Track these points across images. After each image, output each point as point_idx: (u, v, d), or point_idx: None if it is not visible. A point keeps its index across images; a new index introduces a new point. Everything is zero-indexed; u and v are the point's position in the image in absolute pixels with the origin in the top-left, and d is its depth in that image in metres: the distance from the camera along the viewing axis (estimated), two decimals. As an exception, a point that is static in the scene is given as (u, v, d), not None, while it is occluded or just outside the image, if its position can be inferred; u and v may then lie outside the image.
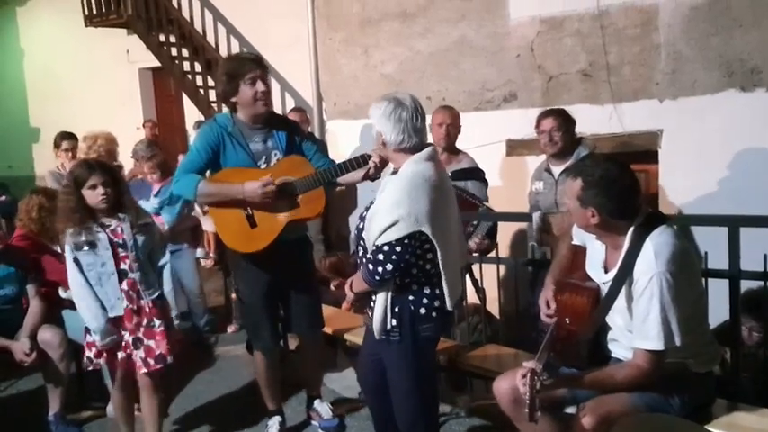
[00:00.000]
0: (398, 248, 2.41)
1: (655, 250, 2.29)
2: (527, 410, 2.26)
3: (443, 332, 2.72)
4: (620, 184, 2.37)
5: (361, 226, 2.59)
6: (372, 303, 2.59)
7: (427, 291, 2.55)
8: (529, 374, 2.26)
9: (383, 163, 2.91)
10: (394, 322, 2.53)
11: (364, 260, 2.51)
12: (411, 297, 2.53)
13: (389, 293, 2.52)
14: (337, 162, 3.17)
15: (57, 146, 5.26)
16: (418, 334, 2.55)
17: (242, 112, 3.20)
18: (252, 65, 3.14)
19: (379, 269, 2.43)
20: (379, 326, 2.54)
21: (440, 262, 2.50)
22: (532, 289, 3.66)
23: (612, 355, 2.54)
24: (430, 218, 2.43)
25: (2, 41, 11.09)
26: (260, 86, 3.10)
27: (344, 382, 4.15)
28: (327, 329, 3.88)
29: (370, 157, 2.95)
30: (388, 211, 2.41)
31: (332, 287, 4.80)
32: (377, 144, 2.62)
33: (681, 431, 1.69)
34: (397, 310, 2.53)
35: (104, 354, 3.15)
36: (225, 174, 3.15)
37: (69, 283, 3.14)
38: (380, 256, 2.42)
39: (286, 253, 3.25)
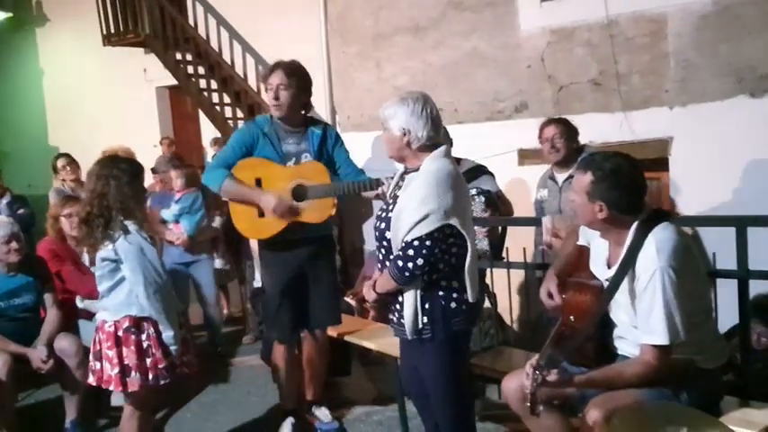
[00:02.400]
0: (428, 242, 2.45)
1: (657, 246, 2.31)
2: (528, 404, 2.29)
3: (473, 325, 2.76)
4: (630, 178, 2.39)
5: (382, 226, 2.61)
6: (398, 306, 2.61)
7: (455, 285, 2.58)
8: (530, 368, 2.30)
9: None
10: (425, 320, 2.55)
11: (390, 258, 2.55)
12: (441, 293, 2.56)
13: (418, 291, 2.53)
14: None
15: (55, 169, 5.46)
16: (451, 329, 2.57)
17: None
18: (270, 73, 3.39)
19: (410, 264, 2.45)
20: (410, 326, 2.55)
21: (468, 253, 2.55)
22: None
23: (619, 352, 2.55)
24: (457, 211, 2.49)
25: (22, 62, 11.32)
26: (270, 94, 3.36)
27: (358, 389, 4.17)
28: (334, 334, 3.92)
29: (381, 183, 3.03)
30: (416, 206, 2.45)
31: (345, 298, 4.83)
32: (395, 144, 2.60)
33: (680, 417, 1.70)
34: (427, 307, 2.54)
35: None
36: (250, 163, 3.39)
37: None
38: (411, 252, 2.45)
39: (309, 249, 3.47)
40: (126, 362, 2.90)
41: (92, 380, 3.01)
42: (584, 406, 2.44)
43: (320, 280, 3.53)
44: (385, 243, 2.60)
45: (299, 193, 3.32)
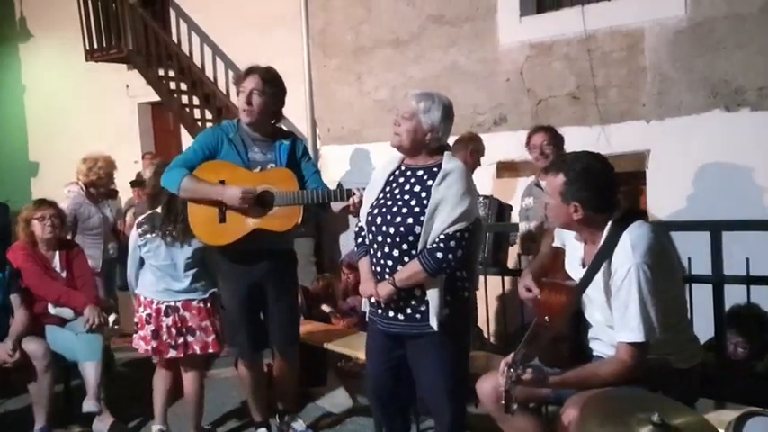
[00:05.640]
0: (467, 234, 2.59)
1: (632, 242, 2.30)
2: (503, 402, 2.25)
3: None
4: (603, 176, 2.39)
5: (409, 221, 2.60)
6: (413, 301, 2.65)
7: (465, 275, 2.73)
8: (505, 366, 2.27)
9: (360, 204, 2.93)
10: (446, 311, 2.63)
11: (413, 253, 2.59)
12: (459, 283, 2.69)
13: (443, 283, 2.62)
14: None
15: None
16: (467, 319, 2.82)
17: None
18: (244, 76, 3.25)
19: (450, 256, 2.55)
20: (437, 317, 2.61)
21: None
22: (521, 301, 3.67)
23: (594, 353, 2.53)
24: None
25: (4, 77, 11.23)
26: (242, 98, 3.21)
27: (333, 399, 4.12)
28: (309, 342, 3.90)
29: (353, 193, 3.00)
30: (457, 200, 2.57)
31: (323, 307, 4.79)
32: (418, 136, 2.65)
33: (651, 403, 1.68)
34: (449, 298, 2.64)
35: None
36: (213, 165, 3.23)
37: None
38: (453, 243, 2.55)
39: (268, 263, 3.30)
40: (219, 329, 3.62)
41: (173, 354, 3.54)
42: (557, 405, 2.41)
43: (280, 297, 3.38)
44: (410, 239, 2.60)
45: (266, 199, 3.16)
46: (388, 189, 2.72)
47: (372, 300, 2.73)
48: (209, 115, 7.94)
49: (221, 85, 7.99)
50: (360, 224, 2.82)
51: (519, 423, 2.56)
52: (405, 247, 2.61)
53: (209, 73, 8.19)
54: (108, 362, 4.12)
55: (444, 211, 2.55)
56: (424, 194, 2.61)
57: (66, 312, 4.02)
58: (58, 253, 4.08)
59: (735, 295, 3.18)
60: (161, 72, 8.44)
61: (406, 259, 2.60)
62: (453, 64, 5.78)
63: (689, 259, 3.03)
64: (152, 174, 3.70)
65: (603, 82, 5.07)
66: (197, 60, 8.42)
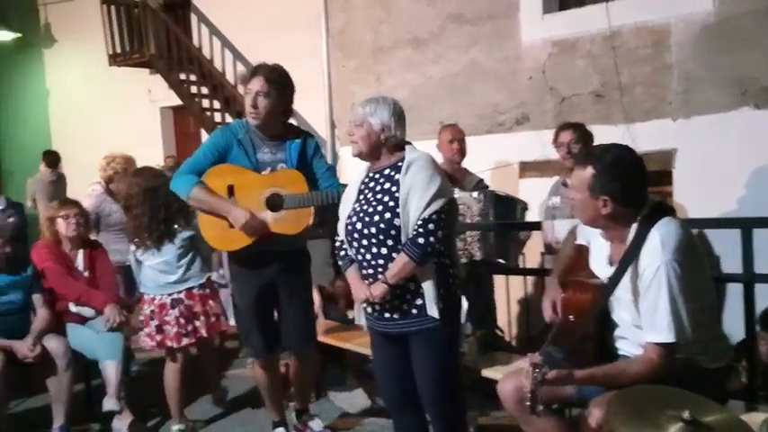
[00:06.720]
0: (443, 215, 2.62)
1: (662, 239, 2.21)
2: (528, 403, 2.18)
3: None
4: (633, 169, 2.30)
5: (387, 217, 2.63)
6: (408, 296, 2.67)
7: (448, 261, 2.74)
8: (530, 367, 2.20)
9: None
10: (441, 305, 2.64)
11: (398, 246, 2.61)
12: (450, 279, 2.72)
13: (435, 275, 2.65)
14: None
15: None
16: (458, 311, 2.80)
17: None
18: (249, 77, 3.15)
19: (431, 239, 2.58)
20: (435, 309, 2.63)
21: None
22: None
23: (620, 353, 2.45)
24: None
25: (28, 82, 11.42)
26: (248, 100, 3.13)
27: (352, 399, 4.08)
28: (325, 342, 3.86)
29: None
30: (424, 186, 2.60)
31: (348, 314, 4.73)
32: (373, 140, 2.71)
33: (681, 400, 1.61)
34: (442, 291, 2.66)
35: None
36: (222, 169, 3.17)
37: None
38: (431, 226, 2.59)
39: (279, 263, 3.25)
40: (221, 310, 3.88)
41: (186, 341, 3.69)
42: (581, 407, 2.34)
43: (293, 296, 3.32)
44: (393, 232, 2.63)
45: (274, 202, 3.09)
46: (361, 197, 2.77)
47: (366, 305, 2.77)
48: (229, 118, 7.98)
49: (241, 89, 7.99)
50: (339, 239, 2.82)
51: (542, 425, 2.48)
52: (390, 242, 2.65)
53: (229, 77, 8.21)
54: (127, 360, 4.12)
55: (415, 198, 2.59)
56: (394, 188, 2.66)
57: (87, 311, 4.02)
58: (81, 252, 4.09)
59: (766, 294, 3.08)
60: (182, 76, 8.52)
61: (395, 255, 2.64)
62: (473, 63, 5.74)
63: (719, 258, 2.93)
64: (126, 182, 3.93)
65: (628, 79, 4.99)
66: (218, 64, 8.46)
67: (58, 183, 8.44)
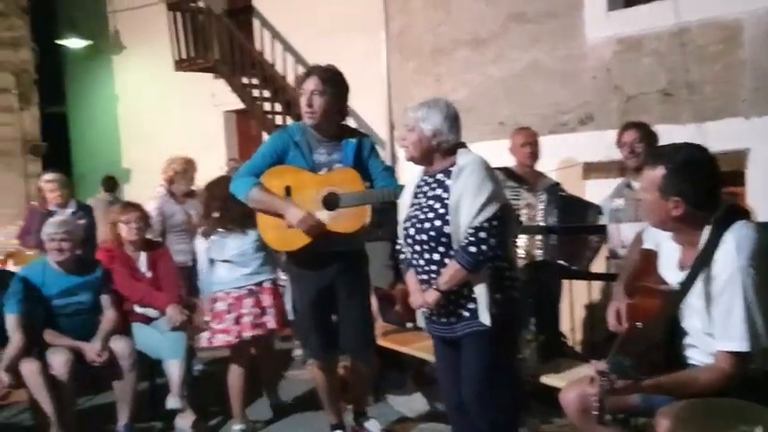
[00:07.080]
0: (495, 222, 2.56)
1: (737, 244, 2.11)
2: (595, 412, 2.11)
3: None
4: (706, 169, 2.21)
5: (437, 224, 2.62)
6: (462, 300, 2.64)
7: (512, 272, 2.72)
8: (598, 375, 2.12)
9: None
10: (494, 310, 2.60)
11: (451, 253, 2.59)
12: (507, 282, 2.67)
13: (489, 278, 2.60)
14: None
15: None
16: (515, 314, 2.75)
17: None
18: (304, 78, 3.20)
19: (483, 247, 2.54)
20: (488, 312, 2.59)
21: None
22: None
23: (690, 361, 2.34)
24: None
25: (99, 88, 11.82)
26: (303, 100, 3.16)
27: (411, 403, 4.04)
28: (385, 345, 3.85)
29: None
30: (475, 192, 2.56)
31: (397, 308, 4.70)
32: (425, 145, 2.68)
33: (755, 416, 1.51)
34: (498, 296, 2.62)
35: None
36: (279, 171, 3.21)
37: None
38: (483, 234, 2.54)
39: (338, 265, 3.25)
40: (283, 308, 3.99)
41: (248, 335, 3.77)
42: (648, 416, 2.25)
43: (351, 297, 3.31)
44: (443, 240, 2.61)
45: (331, 201, 3.10)
46: (415, 201, 2.76)
47: (424, 310, 2.76)
48: (290, 121, 8.04)
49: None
50: (399, 241, 2.84)
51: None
52: (441, 249, 2.63)
53: (290, 80, 8.30)
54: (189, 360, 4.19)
55: (466, 205, 2.55)
56: (445, 195, 2.64)
57: (152, 311, 4.12)
58: (143, 253, 4.18)
59: None
60: (245, 80, 8.65)
61: (447, 261, 2.62)
62: (535, 62, 5.64)
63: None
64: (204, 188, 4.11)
65: (698, 77, 4.81)
66: (279, 68, 8.57)
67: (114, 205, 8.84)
